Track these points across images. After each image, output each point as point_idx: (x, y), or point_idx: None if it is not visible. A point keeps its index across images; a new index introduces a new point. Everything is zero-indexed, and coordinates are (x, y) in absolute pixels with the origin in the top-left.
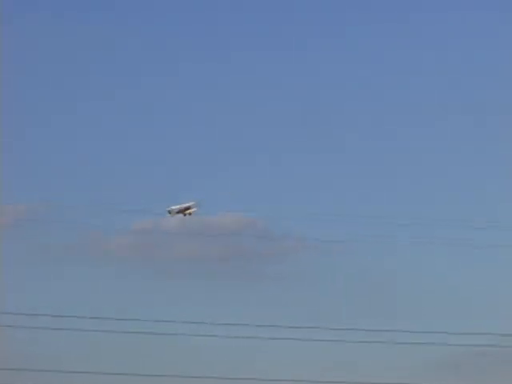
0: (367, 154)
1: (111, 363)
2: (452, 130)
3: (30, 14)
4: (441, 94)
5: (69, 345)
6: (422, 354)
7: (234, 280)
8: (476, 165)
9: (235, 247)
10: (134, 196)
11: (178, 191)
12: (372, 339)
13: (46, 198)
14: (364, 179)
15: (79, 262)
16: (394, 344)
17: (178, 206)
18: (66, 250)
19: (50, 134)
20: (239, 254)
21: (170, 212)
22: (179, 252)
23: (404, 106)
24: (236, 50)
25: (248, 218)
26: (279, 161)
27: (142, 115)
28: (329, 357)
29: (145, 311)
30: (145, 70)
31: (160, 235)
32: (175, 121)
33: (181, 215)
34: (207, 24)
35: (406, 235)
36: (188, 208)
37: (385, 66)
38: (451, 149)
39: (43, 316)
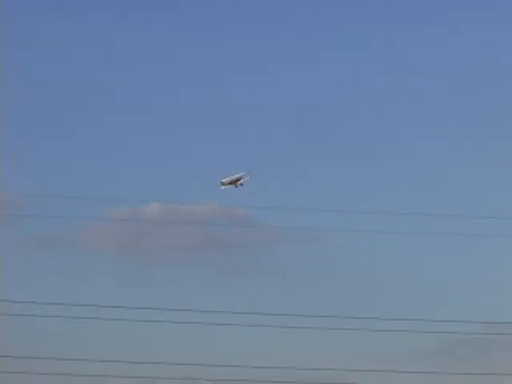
0: (345, 149)
1: (94, 349)
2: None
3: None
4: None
5: (52, 332)
6: (406, 342)
7: (212, 269)
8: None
9: (213, 236)
10: (113, 186)
11: (157, 182)
12: (355, 327)
13: (27, 190)
14: (338, 174)
15: (60, 251)
16: (377, 332)
17: (228, 178)
18: (46, 240)
19: (34, 127)
20: (217, 243)
21: (222, 184)
22: (158, 241)
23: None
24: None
25: (227, 208)
26: (261, 151)
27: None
28: (313, 344)
29: (125, 298)
30: None
31: (139, 224)
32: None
33: (232, 186)
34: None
35: (388, 226)
36: (239, 179)
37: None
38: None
39: (24, 303)
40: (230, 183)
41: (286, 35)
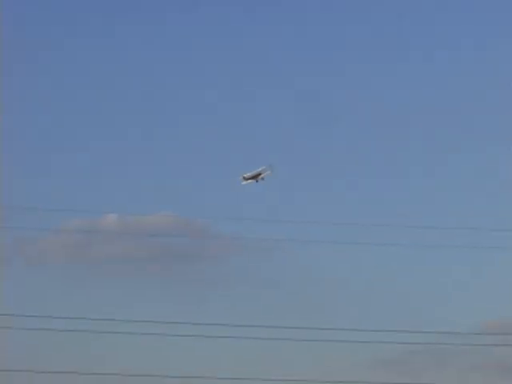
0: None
1: (46, 361)
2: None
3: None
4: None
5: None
6: (359, 353)
7: (166, 279)
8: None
9: (170, 247)
10: (67, 196)
11: (111, 190)
12: (307, 337)
13: None
14: (297, 184)
15: (13, 262)
16: (330, 342)
17: (250, 173)
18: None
19: None
20: (174, 254)
21: (244, 178)
22: (114, 252)
23: None
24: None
25: (183, 218)
26: (216, 162)
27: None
28: (264, 355)
29: (78, 309)
30: None
31: (94, 235)
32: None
33: (253, 181)
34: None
35: (344, 236)
36: (260, 173)
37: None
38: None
39: None
40: (252, 178)
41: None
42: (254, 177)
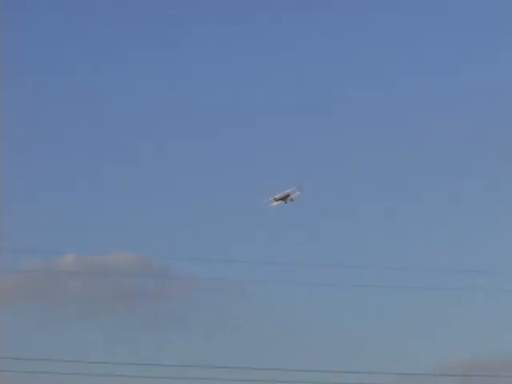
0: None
1: None
2: None
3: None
4: None
5: None
6: None
7: (125, 320)
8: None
9: (129, 287)
10: (26, 236)
11: (73, 230)
12: (258, 378)
13: None
14: (258, 225)
15: None
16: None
17: (279, 194)
18: None
19: None
20: (132, 294)
21: (275, 199)
22: (72, 293)
23: None
24: None
25: (143, 258)
26: (175, 201)
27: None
28: None
29: (37, 350)
30: None
31: (53, 275)
32: None
33: (283, 202)
34: None
35: (300, 279)
36: (289, 195)
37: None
38: None
39: None
40: (281, 199)
41: None
42: (283, 198)
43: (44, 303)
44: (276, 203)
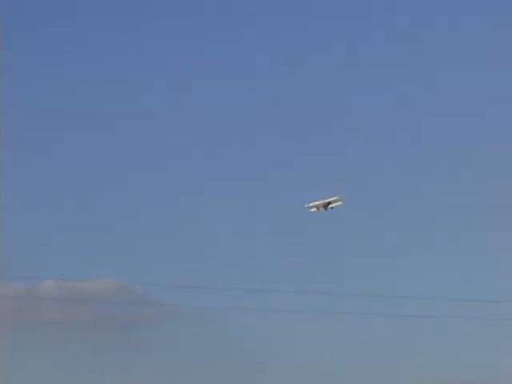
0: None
1: None
2: None
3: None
4: None
5: None
6: None
7: (105, 345)
8: None
9: (108, 312)
10: (6, 262)
11: (54, 255)
12: None
13: None
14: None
15: None
16: None
17: (319, 202)
18: None
19: None
20: (111, 320)
21: (315, 207)
22: (52, 317)
23: None
24: None
25: (122, 284)
26: (153, 228)
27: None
28: None
29: (16, 376)
30: None
31: (32, 300)
32: None
33: (323, 210)
34: None
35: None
36: (330, 203)
37: None
38: None
39: None
40: (322, 206)
41: None
42: (325, 205)
43: (24, 328)
44: (315, 210)
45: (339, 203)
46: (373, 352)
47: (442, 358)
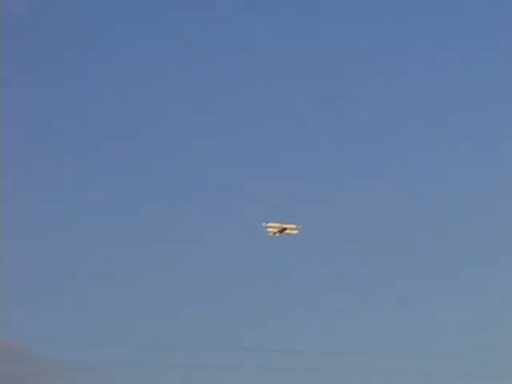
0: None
1: None
2: None
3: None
4: None
5: None
6: None
7: None
8: None
9: None
10: None
11: None
12: None
13: None
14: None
15: None
16: None
17: (278, 224)
18: None
19: None
20: None
21: (272, 228)
22: None
23: None
24: None
25: (4, 341)
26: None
27: None
28: None
29: None
30: None
31: None
32: None
33: (278, 234)
34: None
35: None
36: (285, 229)
37: None
38: None
39: None
40: (279, 231)
41: None
42: (281, 230)
43: None
44: (272, 231)
45: (296, 232)
46: None
47: None
